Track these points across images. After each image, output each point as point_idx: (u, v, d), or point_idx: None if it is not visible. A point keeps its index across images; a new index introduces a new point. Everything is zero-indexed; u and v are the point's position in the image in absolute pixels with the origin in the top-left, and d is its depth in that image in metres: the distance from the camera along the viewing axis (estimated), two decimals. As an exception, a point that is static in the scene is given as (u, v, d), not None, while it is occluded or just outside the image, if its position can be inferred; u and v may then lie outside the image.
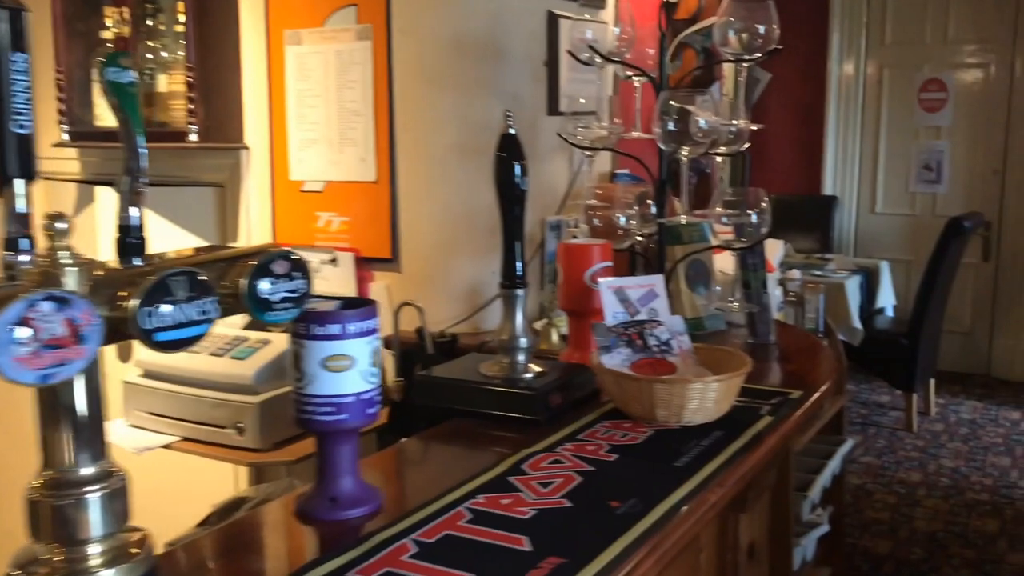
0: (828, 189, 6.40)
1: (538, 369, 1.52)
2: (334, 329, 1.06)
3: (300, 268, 1.02)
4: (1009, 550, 3.58)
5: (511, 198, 1.49)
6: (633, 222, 1.89)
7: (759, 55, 1.86)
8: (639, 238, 1.99)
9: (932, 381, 5.28)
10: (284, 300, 1.01)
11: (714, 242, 1.82)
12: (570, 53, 1.80)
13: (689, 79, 2.66)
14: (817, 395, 1.54)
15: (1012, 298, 5.96)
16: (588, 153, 1.91)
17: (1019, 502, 4.04)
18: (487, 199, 2.09)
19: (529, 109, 2.11)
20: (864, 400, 5.53)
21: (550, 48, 2.09)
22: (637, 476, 1.20)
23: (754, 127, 1.93)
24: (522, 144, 1.48)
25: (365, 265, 2.12)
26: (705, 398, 1.36)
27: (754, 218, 1.80)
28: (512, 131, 1.48)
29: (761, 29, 1.82)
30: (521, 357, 1.50)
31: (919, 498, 4.08)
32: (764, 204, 1.81)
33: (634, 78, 1.97)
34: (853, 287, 4.95)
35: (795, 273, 2.95)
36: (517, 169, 1.48)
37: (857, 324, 4.79)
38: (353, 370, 1.07)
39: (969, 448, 4.72)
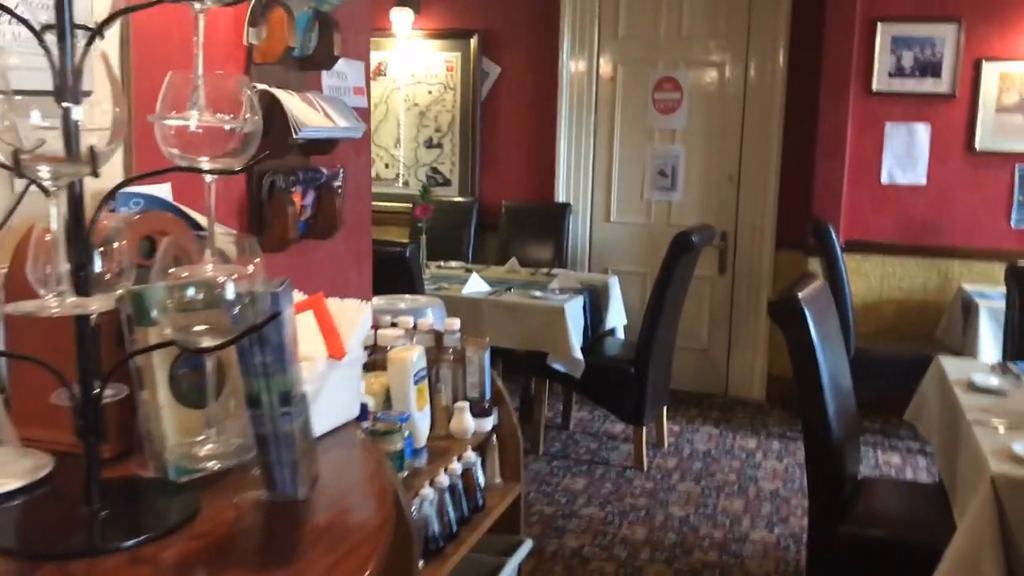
0: (561, 196, 5.82)
1: None
2: None
3: None
4: (734, 633, 3.04)
5: None
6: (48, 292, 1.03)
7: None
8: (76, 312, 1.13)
9: (664, 408, 4.78)
10: None
11: (168, 333, 0.99)
12: None
13: (279, 52, 1.83)
14: None
15: (748, 313, 5.60)
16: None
17: (748, 561, 3.53)
18: None
19: None
20: (595, 431, 4.96)
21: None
22: None
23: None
24: None
25: None
26: None
27: (230, 294, 0.98)
28: None
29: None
30: None
31: (641, 564, 3.49)
32: (257, 264, 1.00)
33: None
34: (575, 310, 4.33)
35: (454, 323, 2.20)
36: None
37: (577, 355, 4.17)
38: None
39: (701, 489, 4.21)
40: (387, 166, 6.14)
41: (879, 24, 5.12)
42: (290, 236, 1.88)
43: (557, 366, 4.23)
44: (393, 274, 3.61)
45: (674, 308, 4.50)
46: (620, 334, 4.99)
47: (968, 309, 4.67)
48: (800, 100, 5.34)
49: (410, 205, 5.50)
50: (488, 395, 2.19)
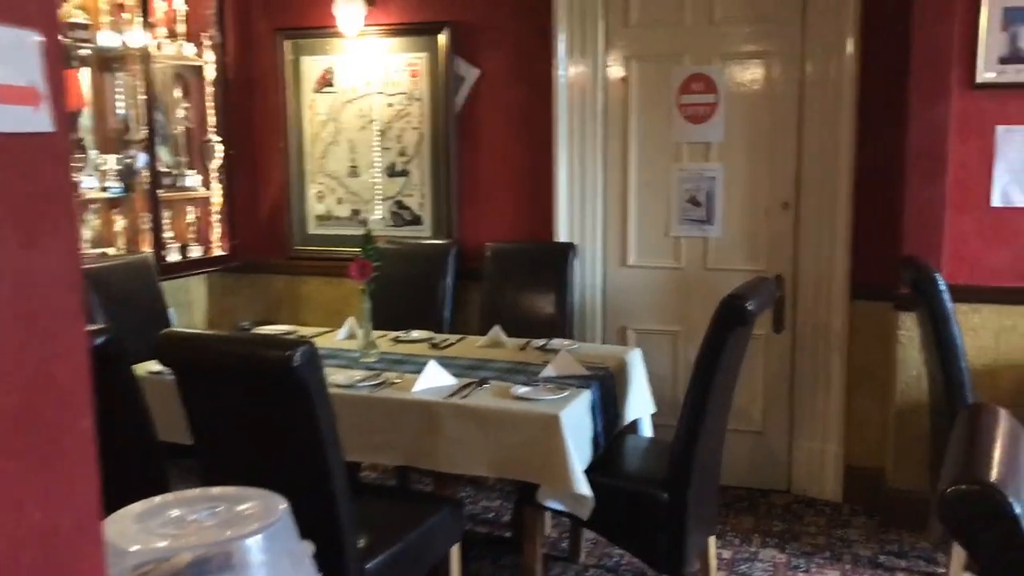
0: (563, 234, 4.45)
1: None
2: None
3: None
4: None
5: None
6: None
7: None
8: None
9: (712, 539, 3.39)
10: None
11: None
12: None
13: None
14: None
15: (815, 384, 4.21)
16: None
17: None
18: None
19: None
20: (614, 564, 3.58)
21: None
22: None
23: None
24: None
25: None
26: None
27: None
28: None
29: None
30: None
31: None
32: None
33: None
34: (577, 415, 2.95)
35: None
36: None
37: (582, 488, 2.78)
38: None
39: None
40: (340, 201, 4.81)
41: (986, -8, 3.74)
42: None
43: (553, 505, 2.85)
44: (276, 399, 2.25)
45: (724, 397, 3.12)
46: (645, 429, 3.61)
47: None
48: (878, 100, 3.97)
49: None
50: None
